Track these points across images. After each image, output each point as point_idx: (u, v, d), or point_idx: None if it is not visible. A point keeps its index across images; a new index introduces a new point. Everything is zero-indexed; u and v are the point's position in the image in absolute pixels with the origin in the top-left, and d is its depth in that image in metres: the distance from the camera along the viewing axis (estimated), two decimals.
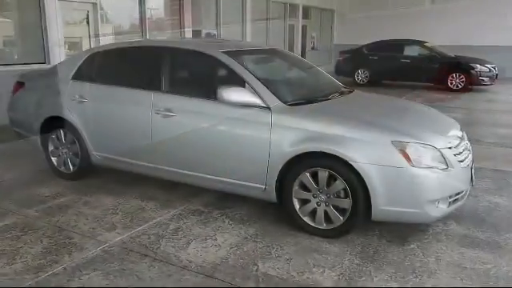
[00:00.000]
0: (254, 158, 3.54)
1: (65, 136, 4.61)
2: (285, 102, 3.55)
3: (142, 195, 4.30)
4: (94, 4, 9.11)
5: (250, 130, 3.54)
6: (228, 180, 3.72)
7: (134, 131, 4.09)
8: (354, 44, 14.73)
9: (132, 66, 4.34)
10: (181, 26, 11.47)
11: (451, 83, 12.74)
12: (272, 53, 4.51)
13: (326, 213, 3.39)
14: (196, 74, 4.19)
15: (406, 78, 13.37)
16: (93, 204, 4.09)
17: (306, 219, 3.47)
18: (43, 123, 4.66)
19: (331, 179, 3.31)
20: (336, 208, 3.34)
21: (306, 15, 17.70)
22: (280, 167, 3.43)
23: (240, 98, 3.51)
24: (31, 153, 5.49)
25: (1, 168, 5.13)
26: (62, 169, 4.73)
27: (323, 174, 3.32)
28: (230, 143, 3.63)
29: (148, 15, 10.37)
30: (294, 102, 3.60)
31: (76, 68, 4.54)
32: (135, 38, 10.21)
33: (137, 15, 10.35)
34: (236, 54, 3.89)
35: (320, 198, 3.38)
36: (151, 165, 4.08)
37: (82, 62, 4.54)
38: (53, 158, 4.77)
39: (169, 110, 3.87)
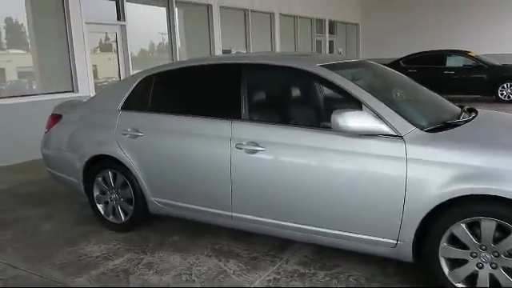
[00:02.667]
0: (381, 205, 2.63)
1: (114, 178, 3.76)
2: (421, 128, 2.65)
3: (216, 251, 3.40)
4: (123, 26, 8.40)
5: (374, 167, 2.64)
6: (341, 233, 2.82)
7: (206, 171, 3.22)
8: (380, 58, 13.88)
9: (200, 89, 3.50)
10: (210, 45, 10.76)
11: (502, 94, 11.77)
12: (366, 66, 3.64)
13: (492, 277, 2.44)
14: (290, 96, 3.33)
15: (451, 90, 12.38)
16: (159, 267, 3.20)
17: (461, 286, 2.52)
18: (87, 163, 3.81)
19: (501, 231, 2.38)
20: (510, 272, 2.40)
21: (331, 31, 17.01)
22: (421, 216, 2.52)
23: (357, 125, 2.62)
24: (70, 197, 4.67)
25: (35, 217, 4.28)
26: (111, 218, 3.86)
27: (488, 225, 2.40)
28: (343, 185, 2.73)
29: (178, 36, 9.64)
30: (430, 128, 2.70)
31: (126, 95, 3.71)
32: (166, 61, 9.49)
33: (166, 36, 9.63)
34: (336, 69, 3.02)
35: (483, 257, 2.45)
36: (231, 213, 3.19)
37: (133, 87, 3.71)
38: (99, 205, 3.91)
39: (255, 144, 3.00)
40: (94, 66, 8.04)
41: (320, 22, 15.96)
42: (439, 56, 12.80)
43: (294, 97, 3.33)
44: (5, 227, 4.04)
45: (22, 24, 7.04)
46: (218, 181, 3.18)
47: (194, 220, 3.50)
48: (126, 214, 3.78)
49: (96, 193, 3.90)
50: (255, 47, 12.32)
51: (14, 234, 3.87)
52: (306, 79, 3.08)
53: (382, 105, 2.69)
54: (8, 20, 6.87)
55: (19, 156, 6.62)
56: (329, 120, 2.72)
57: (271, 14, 12.96)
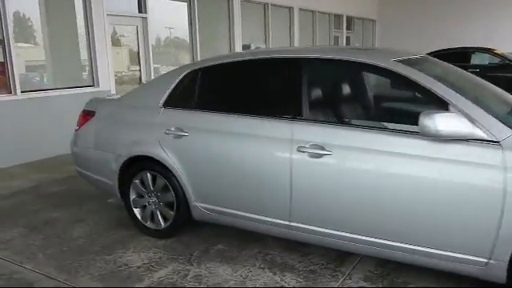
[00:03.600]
0: (472, 219, 2.33)
1: (153, 181, 3.47)
2: None
3: (268, 263, 3.11)
4: (144, 19, 8.10)
5: (465, 176, 2.33)
6: (418, 248, 2.52)
7: (262, 176, 2.92)
8: None
9: (253, 86, 3.19)
10: (230, 40, 10.45)
11: None
12: (431, 62, 3.31)
13: None
14: (358, 94, 3.02)
15: None
16: (208, 280, 2.91)
17: None
18: (123, 165, 3.52)
19: None
20: None
21: (349, 26, 16.67)
22: None
23: (448, 129, 2.32)
24: (99, 197, 4.39)
25: (65, 219, 4.00)
26: (149, 224, 3.58)
27: None
28: (424, 196, 2.43)
29: (198, 30, 9.33)
30: None
31: (168, 91, 3.41)
32: (186, 56, 9.19)
33: (186, 30, 9.32)
34: (412, 65, 2.70)
35: None
36: (288, 223, 2.89)
37: (176, 82, 3.41)
38: (135, 210, 3.63)
39: (320, 147, 2.69)
40: (115, 58, 7.74)
41: (338, 17, 15.62)
42: (463, 54, 12.41)
43: (363, 95, 3.02)
44: (34, 231, 3.77)
45: (40, 16, 6.74)
46: (275, 186, 2.88)
47: (244, 229, 3.20)
48: (165, 219, 3.50)
49: (132, 196, 3.62)
50: (274, 42, 12.00)
51: (45, 239, 3.60)
52: (378, 76, 2.77)
53: (474, 106, 2.38)
54: (25, 12, 6.57)
55: (41, 152, 6.37)
56: (405, 122, 2.42)
57: (290, 9, 12.62)
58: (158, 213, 3.52)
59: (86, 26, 7.13)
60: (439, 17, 17.00)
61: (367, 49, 2.97)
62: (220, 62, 3.30)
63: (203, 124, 3.19)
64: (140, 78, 8.25)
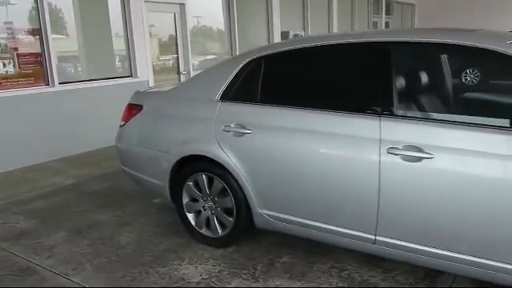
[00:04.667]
0: None
1: (209, 184, 3.09)
2: None
3: (346, 280, 2.71)
4: (182, 5, 7.72)
5: None
6: None
7: (341, 181, 2.50)
8: None
9: (330, 76, 2.74)
10: (269, 27, 9.98)
11: None
12: None
13: None
14: (464, 86, 2.53)
15: None
16: None
17: None
18: (175, 164, 3.16)
19: None
20: None
21: (388, 11, 15.91)
22: None
23: None
24: (143, 198, 4.07)
25: (110, 223, 3.69)
26: (204, 231, 3.22)
27: None
28: None
29: (236, 16, 8.90)
30: None
31: (227, 83, 3.01)
32: (224, 43, 8.78)
33: (222, 18, 8.90)
34: None
35: None
36: (374, 237, 2.46)
37: (235, 73, 3.00)
38: (189, 215, 3.27)
39: (417, 149, 2.24)
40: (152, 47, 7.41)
41: (377, 2, 14.91)
42: None
43: (469, 87, 2.53)
44: (79, 235, 3.47)
45: (73, 5, 6.43)
46: (359, 194, 2.46)
47: (316, 240, 2.79)
48: (223, 226, 3.13)
49: (185, 200, 3.26)
50: (313, 29, 11.47)
51: (91, 246, 3.28)
52: (491, 63, 2.28)
53: None
54: (58, 2, 6.27)
55: (79, 146, 6.13)
56: None
57: None
58: (215, 219, 3.15)
59: (124, 14, 6.82)
60: (481, 2, 16.06)
61: (464, 30, 2.47)
62: (289, 47, 2.86)
63: (269, 120, 2.77)
64: (178, 68, 7.91)
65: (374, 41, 2.54)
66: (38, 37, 5.71)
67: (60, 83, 5.95)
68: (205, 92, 3.13)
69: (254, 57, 2.96)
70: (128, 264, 3.00)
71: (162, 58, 7.86)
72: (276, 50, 2.90)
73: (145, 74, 7.08)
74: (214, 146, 2.95)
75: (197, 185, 3.18)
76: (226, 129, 2.90)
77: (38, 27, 5.68)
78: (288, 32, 10.65)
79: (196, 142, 3.07)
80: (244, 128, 2.83)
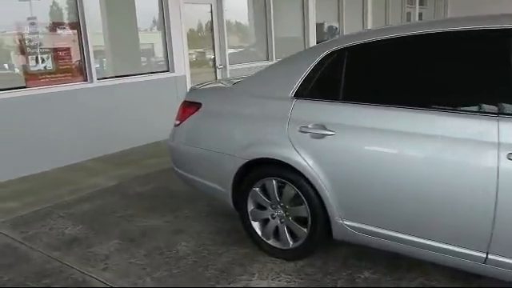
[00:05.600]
0: None
1: (280, 190, 2.78)
2: None
3: None
4: None
5: None
6: None
7: (446, 191, 2.15)
8: None
9: (429, 69, 2.39)
10: (304, 19, 9.62)
11: None
12: None
13: None
14: None
15: None
16: None
17: None
18: (241, 168, 2.86)
19: None
20: None
21: (421, 2, 15.35)
22: None
23: None
24: (194, 201, 3.80)
25: (163, 229, 3.44)
26: (272, 241, 2.92)
27: None
28: None
29: (272, 8, 8.55)
30: None
31: (302, 77, 2.69)
32: (259, 37, 8.44)
33: (257, 10, 8.57)
34: None
35: None
36: (484, 255, 2.12)
37: (312, 66, 2.68)
38: (254, 223, 2.98)
39: None
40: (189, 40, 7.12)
41: None
42: None
43: None
44: (133, 244, 3.21)
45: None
46: (468, 206, 2.12)
47: (410, 256, 2.46)
48: (295, 237, 2.82)
49: (251, 207, 2.96)
50: (347, 20, 11.05)
51: (148, 256, 3.02)
52: None
53: None
54: None
55: (118, 144, 5.91)
56: None
57: None
58: (286, 229, 2.84)
59: (161, 7, 6.55)
60: None
61: None
62: (378, 37, 2.50)
63: (357, 120, 2.44)
64: (214, 62, 7.62)
65: (488, 28, 2.17)
66: (75, 31, 5.48)
67: (98, 79, 5.70)
68: (275, 88, 2.82)
69: (336, 48, 2.63)
70: (193, 278, 2.72)
71: (197, 51, 7.57)
72: (363, 40, 2.55)
73: (182, 69, 6.82)
74: (287, 148, 2.64)
75: (265, 191, 2.88)
76: (303, 129, 2.59)
77: (76, 21, 5.45)
78: (323, 24, 10.29)
79: (265, 143, 2.76)
80: (325, 129, 2.51)
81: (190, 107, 3.26)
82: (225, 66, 7.64)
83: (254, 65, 8.12)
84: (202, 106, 3.18)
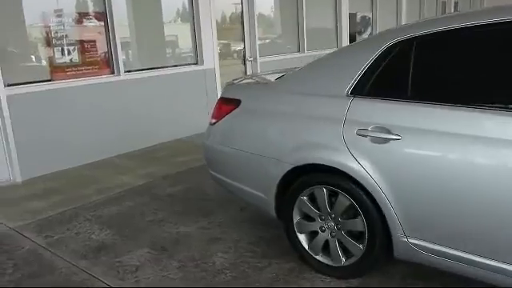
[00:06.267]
0: None
1: (331, 200, 2.45)
2: None
3: None
4: None
5: None
6: None
7: None
8: None
9: None
10: (336, 9, 9.18)
11: None
12: None
13: None
14: None
15: None
16: None
17: None
18: (286, 174, 2.54)
19: None
20: None
21: None
22: None
23: None
24: (225, 204, 3.52)
25: (198, 237, 3.16)
26: (320, 257, 2.60)
27: None
28: None
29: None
30: None
31: (360, 72, 2.35)
32: (290, 27, 8.07)
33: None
34: None
35: None
36: None
37: (373, 59, 2.33)
38: (300, 236, 2.66)
39: None
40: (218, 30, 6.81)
41: None
42: None
43: None
44: (165, 254, 2.94)
45: None
46: None
47: (489, 283, 2.10)
48: (347, 253, 2.50)
49: (297, 218, 2.64)
50: (381, 10, 10.56)
51: (182, 269, 2.75)
52: None
53: None
54: None
55: (145, 140, 5.67)
56: None
57: None
58: (337, 244, 2.51)
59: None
60: None
61: None
62: (456, 25, 2.13)
63: (428, 123, 2.09)
64: (243, 54, 7.30)
65: None
66: (102, 23, 5.23)
67: (125, 72, 5.45)
68: (327, 84, 2.48)
69: (401, 38, 2.27)
70: None
71: (226, 43, 7.26)
72: (437, 29, 2.18)
73: (211, 62, 6.52)
74: (342, 153, 2.31)
75: (313, 200, 2.55)
76: (362, 132, 2.25)
77: (103, 12, 5.20)
78: (356, 14, 9.84)
79: (316, 147, 2.43)
80: (389, 132, 2.16)
81: (227, 104, 2.95)
82: (255, 59, 7.31)
83: (284, 57, 7.78)
84: (241, 103, 2.87)
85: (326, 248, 2.58)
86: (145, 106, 5.67)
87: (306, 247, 2.66)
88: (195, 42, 6.40)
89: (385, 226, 2.28)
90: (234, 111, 2.89)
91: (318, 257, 2.62)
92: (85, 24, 5.12)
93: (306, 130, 2.49)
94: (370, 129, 2.23)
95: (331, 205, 2.49)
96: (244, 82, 3.22)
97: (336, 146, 2.34)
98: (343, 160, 2.31)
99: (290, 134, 2.57)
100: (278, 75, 3.08)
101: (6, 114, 4.45)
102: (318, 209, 2.55)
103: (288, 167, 2.55)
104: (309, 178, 2.53)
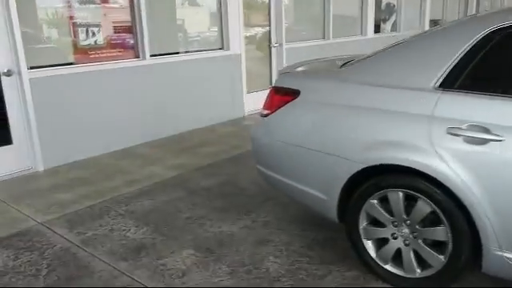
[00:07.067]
0: None
1: (407, 205, 2.18)
2: None
3: None
4: None
5: None
6: None
7: None
8: None
9: None
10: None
11: None
12: None
13: None
14: None
15: None
16: None
17: None
18: (354, 175, 2.28)
19: None
20: None
21: None
22: None
23: None
24: (267, 200, 3.26)
25: (244, 238, 2.92)
26: (390, 266, 2.35)
27: None
28: None
29: None
30: None
31: (451, 63, 2.07)
32: (312, 10, 7.74)
33: None
34: None
35: None
36: None
37: (467, 48, 2.04)
38: (367, 242, 2.40)
39: None
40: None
41: None
42: None
43: None
44: (212, 257, 2.70)
45: None
46: None
47: None
48: (423, 264, 2.24)
49: (364, 223, 2.39)
50: (405, 1, 10.17)
51: (234, 275, 2.51)
52: None
53: None
54: None
55: (172, 127, 5.43)
56: None
57: None
58: (412, 254, 2.25)
59: None
60: None
61: None
62: None
63: None
64: (269, 40, 6.99)
65: None
66: (128, 3, 4.93)
67: (151, 56, 5.16)
68: (408, 75, 2.20)
69: (503, 24, 1.97)
70: None
71: (252, 28, 6.93)
72: None
73: (237, 47, 6.22)
74: (426, 153, 2.04)
75: (385, 204, 2.29)
76: (453, 131, 1.97)
77: None
78: (380, 1, 9.49)
79: (394, 146, 2.16)
80: (488, 132, 1.89)
81: (283, 95, 2.68)
82: (280, 45, 7.00)
83: (310, 44, 7.47)
84: (300, 93, 2.59)
85: (396, 257, 2.33)
86: (170, 92, 5.40)
87: (373, 255, 2.40)
88: (221, 26, 6.09)
89: (474, 236, 2.01)
90: (291, 102, 2.62)
91: (386, 266, 2.36)
92: (110, 4, 4.82)
93: (382, 127, 2.22)
94: (464, 127, 1.95)
95: (407, 210, 2.22)
96: (299, 69, 2.93)
97: (419, 145, 2.07)
98: (428, 161, 2.04)
99: (361, 131, 2.29)
100: (334, 62, 2.79)
101: (29, 97, 4.19)
102: (391, 214, 2.28)
103: (358, 167, 2.28)
104: (382, 180, 2.26)
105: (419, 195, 2.14)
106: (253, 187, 3.75)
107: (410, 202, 2.21)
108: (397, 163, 2.15)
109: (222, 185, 3.86)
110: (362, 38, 8.86)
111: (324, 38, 7.97)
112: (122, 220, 3.23)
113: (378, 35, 9.32)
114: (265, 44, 6.99)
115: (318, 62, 3.18)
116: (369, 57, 2.51)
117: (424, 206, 2.15)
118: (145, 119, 5.15)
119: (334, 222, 2.52)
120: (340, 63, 2.73)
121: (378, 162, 2.21)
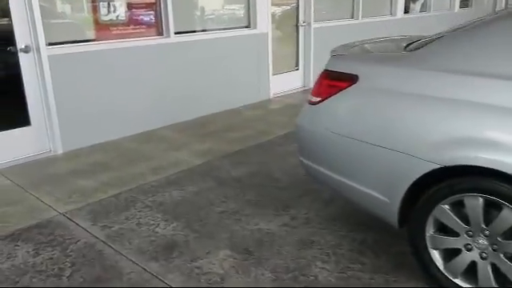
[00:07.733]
0: None
1: (487, 211, 1.87)
2: None
3: None
4: None
5: None
6: None
7: None
8: None
9: None
10: None
11: None
12: None
13: None
14: None
15: None
16: None
17: None
18: (423, 176, 1.97)
19: None
20: None
21: None
22: None
23: None
24: (308, 193, 2.97)
25: (285, 238, 2.63)
26: (461, 281, 2.06)
27: None
28: None
29: None
30: None
31: None
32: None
33: None
34: None
35: None
36: None
37: None
38: (433, 252, 2.10)
39: None
40: None
41: None
42: None
43: None
44: (252, 260, 2.44)
45: None
46: None
47: None
48: (501, 279, 1.92)
49: (431, 230, 2.09)
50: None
51: (279, 283, 2.23)
52: None
53: None
54: None
55: (196, 109, 5.14)
56: None
57: None
58: (489, 268, 1.94)
59: None
60: None
61: None
62: None
63: None
64: (297, 18, 6.60)
65: None
66: None
67: (175, 33, 4.84)
68: (495, 62, 1.86)
69: None
70: None
71: (278, 6, 6.54)
72: None
73: (264, 26, 5.86)
74: None
75: (459, 210, 1.97)
76: None
77: None
78: None
79: (477, 144, 1.84)
80: None
81: (337, 80, 2.35)
82: (308, 24, 6.62)
83: (339, 23, 7.07)
84: (358, 79, 2.26)
85: (470, 271, 2.03)
86: (193, 72, 5.09)
87: (441, 267, 2.10)
88: (248, 3, 5.72)
89: None
90: (347, 89, 2.29)
91: (456, 280, 2.07)
92: None
93: (462, 122, 1.89)
94: None
95: (488, 219, 1.91)
96: (356, 50, 2.59)
97: (508, 144, 1.74)
98: None
99: (434, 125, 1.97)
100: (395, 43, 2.45)
101: (48, 75, 3.92)
102: (467, 222, 1.97)
103: (430, 167, 1.96)
104: (459, 183, 1.94)
105: (505, 203, 1.83)
106: (286, 179, 3.47)
107: (489, 208, 1.89)
108: (480, 165, 1.83)
109: (252, 175, 3.58)
110: (392, 18, 8.41)
111: (353, 17, 7.55)
112: (150, 213, 2.97)
113: (407, 15, 8.87)
114: (291, 23, 6.61)
115: (374, 42, 2.83)
116: (441, 37, 2.16)
117: (510, 216, 1.83)
118: (167, 100, 4.87)
119: (393, 226, 2.22)
120: (403, 44, 2.38)
121: (457, 163, 1.89)
